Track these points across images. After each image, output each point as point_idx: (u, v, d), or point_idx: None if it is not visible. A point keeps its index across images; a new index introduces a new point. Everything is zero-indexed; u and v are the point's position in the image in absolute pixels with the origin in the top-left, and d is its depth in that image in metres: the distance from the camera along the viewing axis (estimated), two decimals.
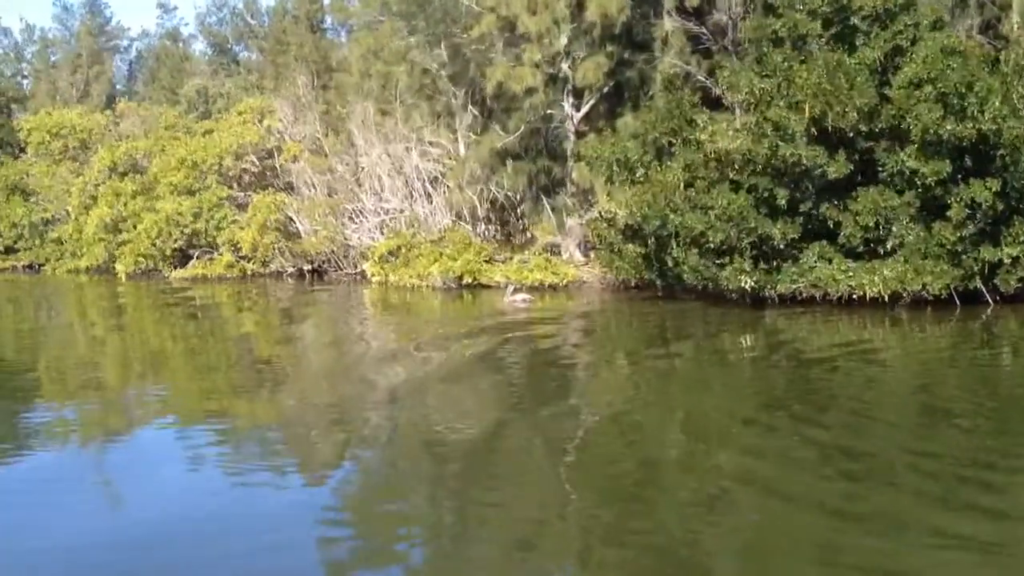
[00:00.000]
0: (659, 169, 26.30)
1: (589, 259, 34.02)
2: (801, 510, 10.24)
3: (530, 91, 32.06)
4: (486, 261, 33.20)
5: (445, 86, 37.79)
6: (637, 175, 26.64)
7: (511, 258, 34.25)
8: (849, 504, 10.22)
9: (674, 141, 26.60)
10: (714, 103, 29.84)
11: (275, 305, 33.03)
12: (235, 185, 42.06)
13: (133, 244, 40.51)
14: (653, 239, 25.63)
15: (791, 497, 10.65)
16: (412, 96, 38.95)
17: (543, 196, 37.07)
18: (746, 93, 25.20)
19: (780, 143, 23.71)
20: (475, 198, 35.82)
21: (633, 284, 29.76)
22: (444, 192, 37.96)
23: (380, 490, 11.60)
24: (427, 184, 38.35)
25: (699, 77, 30.04)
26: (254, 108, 44.45)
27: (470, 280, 32.42)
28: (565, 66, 33.12)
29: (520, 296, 28.51)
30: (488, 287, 32.45)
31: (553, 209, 36.94)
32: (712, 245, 24.17)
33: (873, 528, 9.41)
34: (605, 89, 34.15)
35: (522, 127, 35.23)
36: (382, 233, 38.56)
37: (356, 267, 38.82)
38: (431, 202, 38.53)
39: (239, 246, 39.13)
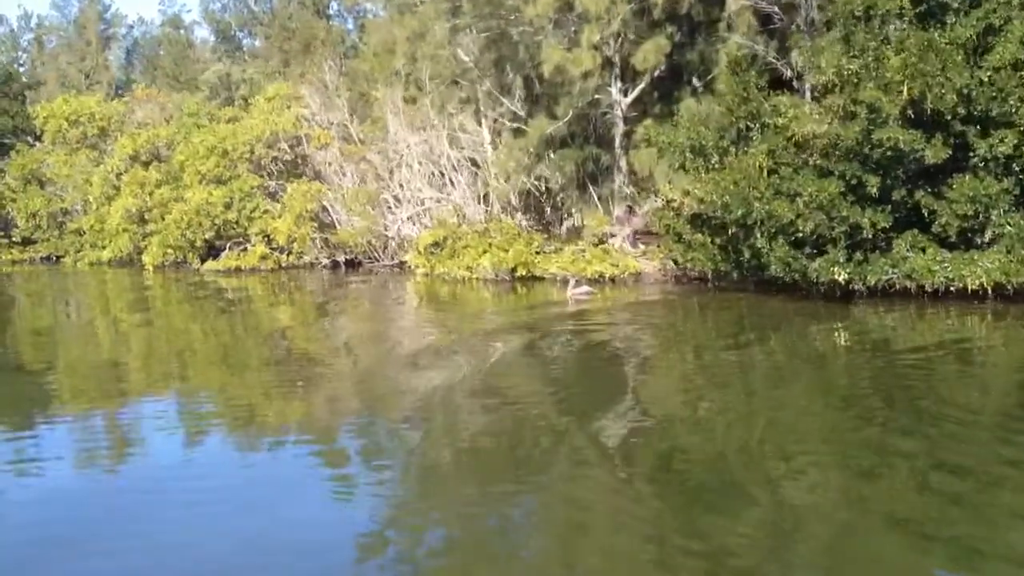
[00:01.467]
0: (736, 155, 24.95)
1: (638, 250, 32.72)
2: (885, 531, 9.09)
3: (586, 75, 30.66)
4: (537, 252, 31.78)
5: (485, 71, 36.39)
6: (712, 161, 25.27)
7: (560, 249, 32.89)
8: (943, 528, 9.09)
9: (752, 125, 25.22)
10: (781, 86, 28.54)
11: (316, 299, 31.58)
12: (264, 174, 40.57)
13: (162, 235, 39.05)
14: (734, 228, 24.22)
15: (875, 514, 9.50)
16: (446, 82, 37.58)
17: (589, 184, 35.78)
18: (832, 74, 23.78)
19: (874, 127, 22.34)
20: (524, 186, 34.38)
21: (697, 276, 28.49)
22: (480, 181, 36.61)
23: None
24: (461, 173, 37.01)
25: (770, 58, 28.62)
26: (282, 95, 42.98)
27: (524, 272, 31.00)
28: (613, 48, 31.75)
29: (582, 289, 27.15)
30: (541, 279, 31.10)
31: (599, 198, 35.71)
32: (801, 235, 22.79)
33: (965, 557, 8.45)
34: (656, 72, 32.85)
35: (570, 113, 33.91)
36: (416, 224, 37.26)
37: (393, 258, 37.46)
38: (469, 191, 37.23)
39: (272, 237, 37.71)
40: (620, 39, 31.04)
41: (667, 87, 33.41)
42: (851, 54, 23.67)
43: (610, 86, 33.62)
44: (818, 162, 23.77)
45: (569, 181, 35.98)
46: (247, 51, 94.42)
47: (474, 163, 37.54)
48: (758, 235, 23.54)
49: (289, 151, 40.05)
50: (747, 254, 24.93)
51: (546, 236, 35.42)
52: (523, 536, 9.60)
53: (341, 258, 38.60)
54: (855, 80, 23.45)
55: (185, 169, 41.13)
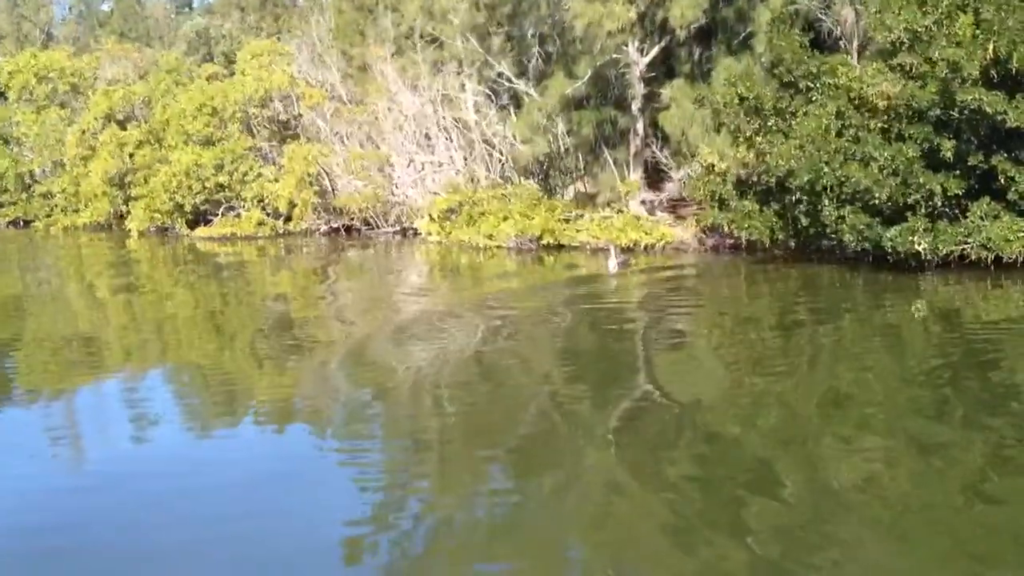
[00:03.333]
0: (796, 116, 23.46)
1: (658, 217, 31.18)
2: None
3: (614, 32, 28.89)
4: (560, 220, 30.12)
5: (494, 28, 34.45)
6: (770, 123, 23.76)
7: (580, 215, 31.24)
8: None
9: (812, 85, 23.72)
10: (818, 45, 27.03)
11: (330, 270, 29.72)
12: (254, 135, 38.32)
13: (148, 199, 36.67)
14: (798, 194, 22.76)
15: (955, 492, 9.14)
16: (447, 38, 35.54)
17: (605, 148, 34.08)
18: (902, 30, 22.31)
19: (954, 87, 20.94)
20: (541, 148, 32.61)
21: (735, 245, 27.06)
22: (477, 144, 34.70)
23: None
24: (458, 136, 35.15)
25: (819, 15, 27.11)
26: (270, 51, 40.64)
27: (549, 240, 29.32)
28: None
29: (620, 259, 25.55)
30: (568, 248, 29.45)
31: (614, 162, 34.04)
32: (877, 202, 21.38)
33: None
34: (687, 30, 31.17)
35: (589, 72, 32.17)
36: (418, 188, 35.37)
37: (396, 224, 35.54)
38: (471, 155, 35.40)
39: (269, 202, 35.61)
40: None
41: (690, 46, 31.78)
42: (924, 9, 22.23)
43: (626, 45, 31.86)
44: (886, 125, 22.36)
45: (583, 144, 34.28)
46: (200, 7, 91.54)
47: (466, 126, 35.61)
48: (826, 201, 22.07)
49: (284, 111, 37.79)
50: (804, 221, 23.55)
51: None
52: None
53: (339, 224, 36.53)
54: (927, 38, 22.04)
55: (168, 129, 38.71)
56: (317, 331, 19.59)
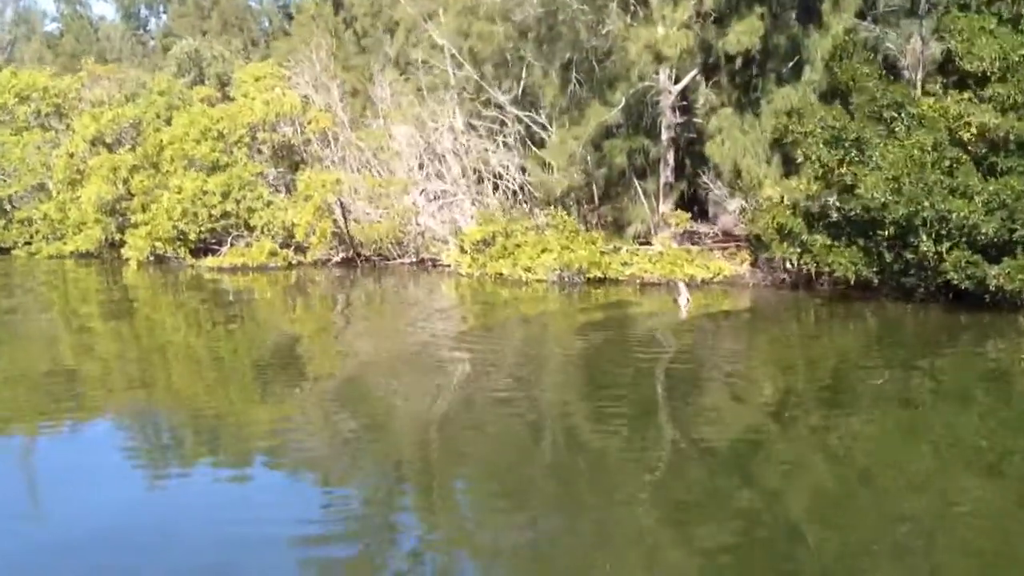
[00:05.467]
0: (878, 148, 22.41)
1: (692, 249, 29.95)
2: None
3: (664, 59, 27.76)
4: (602, 252, 28.74)
5: (527, 53, 33.10)
6: (853, 154, 22.67)
7: (619, 248, 29.89)
8: None
9: (896, 115, 22.72)
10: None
11: (364, 302, 27.90)
12: (260, 161, 36.44)
13: (150, 227, 34.51)
14: (891, 229, 21.65)
15: None
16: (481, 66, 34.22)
17: (635, 179, 32.81)
18: (997, 60, 21.42)
19: None
20: (577, 180, 31.28)
21: (798, 281, 25.96)
22: (509, 175, 33.40)
23: None
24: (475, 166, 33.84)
25: (888, 44, 26.23)
26: (273, 75, 38.84)
27: (596, 274, 27.90)
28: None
29: (684, 295, 24.20)
30: (616, 282, 28.06)
31: (645, 193, 32.79)
32: (983, 239, 20.34)
33: None
34: (711, 60, 30.21)
35: (622, 100, 30.94)
36: (436, 218, 33.85)
37: (417, 255, 33.86)
38: (496, 187, 34.04)
39: (281, 231, 33.73)
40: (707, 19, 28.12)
41: (733, 74, 30.70)
42: (1022, 39, 21.38)
43: (657, 73, 30.73)
44: (982, 158, 21.42)
45: (613, 175, 33.00)
46: (158, 30, 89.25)
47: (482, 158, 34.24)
48: (923, 236, 20.99)
49: (293, 136, 35.99)
50: (888, 257, 22.49)
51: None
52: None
53: (351, 254, 34.72)
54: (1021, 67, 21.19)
55: (164, 153, 36.60)
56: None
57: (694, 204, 32.70)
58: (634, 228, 32.05)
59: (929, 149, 21.13)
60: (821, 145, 22.98)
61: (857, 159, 22.50)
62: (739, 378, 17.04)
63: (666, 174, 31.98)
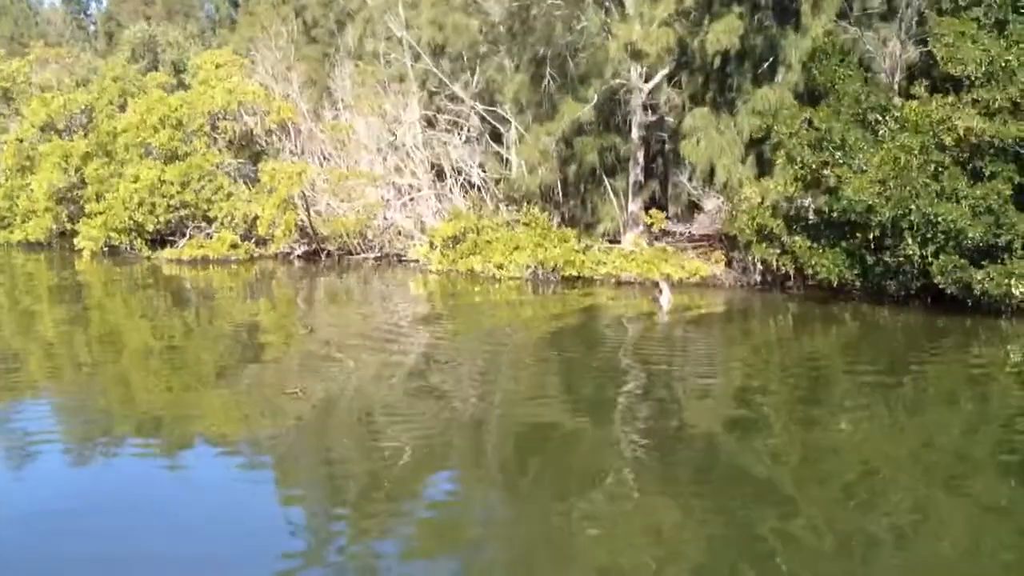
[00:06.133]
0: (863, 151, 22.33)
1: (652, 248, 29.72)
2: None
3: (643, 56, 27.46)
4: (577, 251, 28.41)
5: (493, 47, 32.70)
6: (837, 156, 22.56)
7: (588, 247, 29.55)
8: None
9: (881, 118, 22.68)
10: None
11: (337, 304, 27.13)
12: (218, 150, 35.53)
13: (105, 216, 33.42)
14: (877, 232, 21.59)
15: None
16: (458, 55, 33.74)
17: (605, 177, 32.50)
18: (985, 65, 21.44)
19: None
20: (549, 177, 30.89)
21: (769, 281, 25.87)
22: (471, 171, 32.99)
23: None
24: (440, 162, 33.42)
25: (867, 47, 26.18)
26: (232, 62, 37.88)
27: (571, 272, 27.54)
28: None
29: (666, 296, 23.93)
30: (590, 281, 27.73)
31: (614, 191, 32.50)
32: (968, 243, 20.34)
33: None
34: (683, 59, 30.05)
35: (595, 97, 30.63)
36: (402, 212, 33.28)
37: (380, 250, 33.21)
38: (464, 183, 33.57)
39: (241, 222, 32.90)
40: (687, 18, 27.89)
41: (707, 74, 30.53)
42: (1006, 44, 21.41)
43: (628, 71, 30.45)
44: (966, 161, 21.43)
45: (583, 173, 32.67)
46: (95, 15, 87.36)
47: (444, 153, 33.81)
48: (909, 240, 20.94)
49: (256, 126, 35.11)
50: (870, 260, 22.44)
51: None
52: None
53: (313, 248, 33.99)
54: (1006, 72, 21.23)
55: (118, 141, 35.52)
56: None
57: (665, 204, 32.52)
58: (603, 226, 31.77)
59: (915, 152, 21.05)
60: (805, 147, 22.83)
61: (841, 161, 22.37)
62: (733, 380, 16.78)
63: (636, 172, 31.71)
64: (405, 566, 9.07)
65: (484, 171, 33.18)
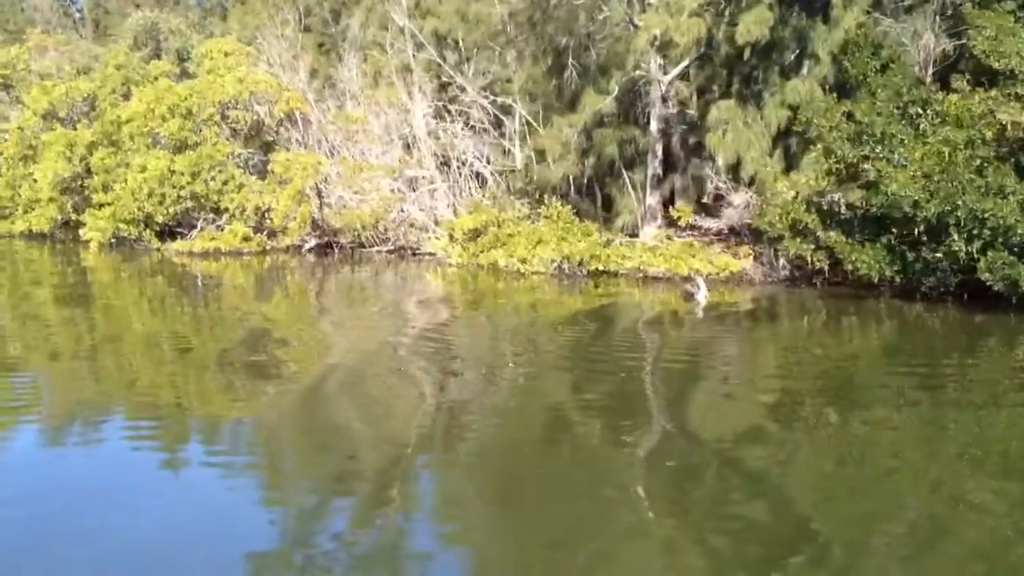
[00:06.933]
0: (904, 144, 21.97)
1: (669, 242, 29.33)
2: None
3: (674, 47, 27.04)
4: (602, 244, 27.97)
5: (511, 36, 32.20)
6: (877, 150, 22.18)
7: (610, 241, 29.11)
8: None
9: (922, 112, 22.33)
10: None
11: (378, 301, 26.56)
12: (228, 140, 34.86)
13: (113, 207, 32.72)
14: (921, 227, 21.22)
15: None
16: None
17: (624, 170, 32.05)
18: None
19: None
20: (573, 169, 30.43)
21: (797, 277, 25.50)
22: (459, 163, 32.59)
23: None
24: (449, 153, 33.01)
25: (903, 39, 25.82)
26: (239, 51, 37.19)
27: (597, 267, 27.10)
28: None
29: (702, 292, 23.48)
30: (615, 275, 27.29)
31: (633, 184, 32.07)
32: (1018, 239, 20.01)
33: None
34: (703, 49, 29.61)
35: (616, 89, 30.22)
36: (416, 204, 32.77)
37: (393, 242, 32.66)
38: (477, 176, 33.15)
39: (256, 214, 32.27)
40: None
41: (731, 66, 30.09)
42: None
43: (646, 62, 29.99)
44: (1010, 156, 21.11)
45: (601, 166, 32.24)
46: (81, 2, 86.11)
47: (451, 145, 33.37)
48: (955, 236, 20.58)
49: (267, 116, 34.44)
50: (910, 256, 22.08)
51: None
52: None
53: (325, 241, 33.40)
54: None
55: (123, 130, 34.79)
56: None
57: (686, 198, 32.08)
58: (622, 220, 31.37)
59: (961, 147, 20.69)
60: (845, 140, 22.45)
61: (881, 156, 21.99)
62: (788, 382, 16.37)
63: (654, 165, 31.31)
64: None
65: (490, 163, 32.84)
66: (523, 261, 27.68)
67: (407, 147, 34.53)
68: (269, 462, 11.87)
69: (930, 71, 25.94)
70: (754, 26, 26.42)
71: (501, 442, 12.39)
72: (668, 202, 31.92)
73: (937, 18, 25.98)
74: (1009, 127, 20.43)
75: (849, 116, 22.62)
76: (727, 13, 27.75)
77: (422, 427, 12.91)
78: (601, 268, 27.04)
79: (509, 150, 34.32)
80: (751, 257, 26.51)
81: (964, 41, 25.02)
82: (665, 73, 30.20)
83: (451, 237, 29.61)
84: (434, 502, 10.52)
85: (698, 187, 31.20)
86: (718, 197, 29.60)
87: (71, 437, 12.56)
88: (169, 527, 9.32)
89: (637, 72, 30.01)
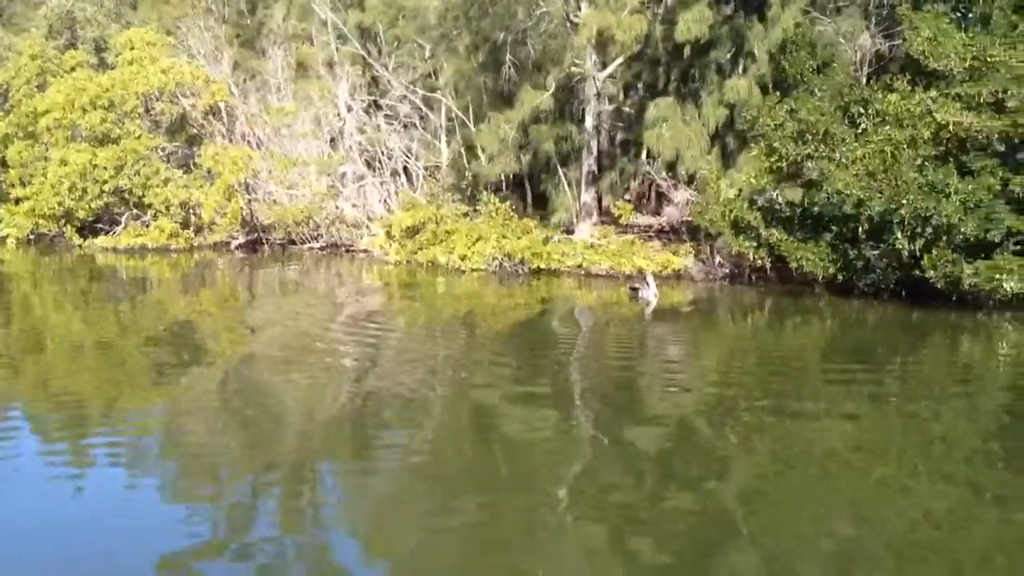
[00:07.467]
0: (844, 143, 22.24)
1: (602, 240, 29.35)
2: None
3: (613, 44, 26.98)
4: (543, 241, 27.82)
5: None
6: (820, 150, 22.41)
7: (548, 238, 28.96)
8: None
9: (864, 111, 22.63)
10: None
11: (308, 300, 25.89)
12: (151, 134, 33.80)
13: (32, 202, 31.44)
14: (866, 225, 21.51)
15: None
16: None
17: (559, 167, 31.94)
18: (968, 59, 21.52)
19: None
20: (509, 166, 30.18)
21: (736, 274, 25.68)
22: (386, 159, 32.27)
23: None
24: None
25: (840, 39, 26.15)
26: (155, 42, 35.97)
27: (538, 264, 26.91)
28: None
29: (651, 290, 23.33)
30: (556, 273, 27.12)
31: (568, 182, 31.98)
32: (961, 238, 20.39)
33: None
34: (637, 47, 29.63)
35: (553, 85, 30.10)
36: (346, 201, 32.26)
37: (325, 239, 32.02)
38: (408, 173, 32.80)
39: (183, 209, 31.32)
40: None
41: (668, 64, 30.19)
42: (992, 36, 21.54)
43: (580, 60, 29.92)
44: (948, 156, 21.52)
45: (536, 163, 32.09)
46: None
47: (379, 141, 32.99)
48: (898, 234, 20.88)
49: (192, 108, 33.45)
50: (851, 254, 22.39)
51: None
52: None
53: (255, 237, 32.58)
54: (994, 68, 21.34)
55: (41, 122, 33.46)
56: None
57: (620, 195, 32.13)
58: (558, 217, 31.26)
59: (904, 146, 21.01)
60: (788, 139, 22.64)
61: (824, 154, 22.23)
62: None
63: (589, 162, 31.25)
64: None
65: (418, 159, 32.54)
66: (463, 258, 27.35)
67: (332, 142, 34.00)
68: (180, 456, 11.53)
69: (865, 71, 26.32)
70: (694, 24, 26.53)
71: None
72: (601, 199, 31.96)
73: (872, 18, 26.34)
74: (951, 126, 20.73)
75: (791, 115, 22.77)
76: (664, 11, 27.76)
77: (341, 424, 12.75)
78: (543, 266, 26.80)
79: (435, 145, 33.98)
80: (691, 255, 26.57)
81: (898, 42, 25.45)
82: (601, 70, 30.15)
83: (388, 234, 29.10)
84: (354, 504, 10.28)
85: (632, 185, 31.27)
86: (656, 195, 29.68)
87: None
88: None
89: (573, 69, 29.92)
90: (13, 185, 32.38)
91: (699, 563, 8.62)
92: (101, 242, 31.36)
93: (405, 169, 33.42)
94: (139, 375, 15.51)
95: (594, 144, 31.21)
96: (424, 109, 33.66)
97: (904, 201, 20.50)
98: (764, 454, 11.70)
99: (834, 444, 11.99)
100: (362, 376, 15.52)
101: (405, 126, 33.82)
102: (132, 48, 35.70)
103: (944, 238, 20.33)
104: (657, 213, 29.09)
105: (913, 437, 12.53)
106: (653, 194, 30.32)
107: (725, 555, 8.75)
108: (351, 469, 11.18)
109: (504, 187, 32.65)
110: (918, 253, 20.69)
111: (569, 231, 30.71)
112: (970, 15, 22.27)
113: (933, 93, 21.89)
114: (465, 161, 32.19)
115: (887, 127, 21.99)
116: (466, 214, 29.54)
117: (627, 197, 31.04)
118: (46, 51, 37.95)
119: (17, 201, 31.99)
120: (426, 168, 33.35)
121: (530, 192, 32.94)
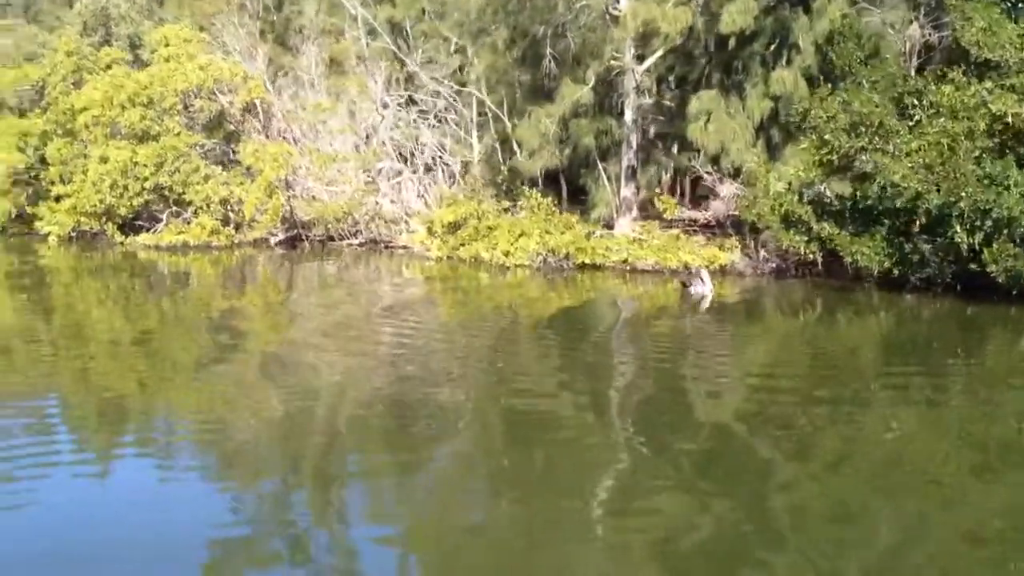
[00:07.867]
0: (904, 135, 21.95)
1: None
2: None
3: (659, 35, 26.78)
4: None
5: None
6: (874, 142, 22.15)
7: (590, 233, 28.79)
8: None
9: (917, 102, 22.35)
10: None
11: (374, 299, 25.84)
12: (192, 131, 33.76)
13: (74, 199, 31.48)
14: (923, 219, 21.26)
15: None
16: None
17: (599, 162, 31.73)
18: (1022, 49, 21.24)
19: None
20: (552, 160, 30.02)
21: (790, 270, 25.43)
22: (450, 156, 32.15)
23: None
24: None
25: (888, 29, 25.84)
26: (190, 39, 35.93)
27: (584, 260, 26.75)
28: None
29: (707, 286, 23.13)
30: (599, 268, 26.96)
31: (608, 176, 31.76)
32: (1021, 232, 20.11)
33: None
34: (679, 39, 29.37)
35: (593, 79, 29.91)
36: (385, 197, 32.17)
37: (365, 235, 31.92)
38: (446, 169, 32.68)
39: (223, 206, 31.29)
40: None
41: (708, 57, 29.95)
42: None
43: (621, 52, 29.68)
44: (1006, 148, 21.23)
45: (581, 156, 31.89)
46: None
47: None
48: (957, 228, 20.61)
49: (230, 104, 33.39)
50: (907, 248, 22.13)
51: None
52: None
53: (294, 234, 32.52)
54: None
55: (79, 120, 33.45)
56: None
57: (663, 189, 31.96)
58: (598, 212, 31.08)
59: (961, 138, 20.72)
60: (841, 131, 22.38)
61: (878, 147, 21.97)
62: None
63: (629, 156, 31.05)
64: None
65: (452, 155, 32.43)
66: (506, 254, 27.22)
67: (367, 138, 33.93)
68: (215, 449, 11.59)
69: (914, 61, 26.01)
70: (739, 16, 26.28)
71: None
72: (639, 193, 31.77)
73: (921, 9, 26.02)
74: (1010, 118, 20.44)
75: (844, 106, 22.51)
76: (706, 2, 27.50)
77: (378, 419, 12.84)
78: (587, 261, 26.64)
79: (468, 141, 33.85)
80: (738, 249, 26.36)
81: (947, 32, 25.13)
82: (640, 63, 29.92)
83: (429, 230, 29.00)
84: (388, 498, 10.25)
85: (675, 178, 31.07)
86: (693, 189, 29.47)
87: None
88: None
89: (612, 62, 29.73)
90: (53, 183, 32.42)
91: (740, 574, 8.42)
92: (143, 239, 31.37)
93: (437, 163, 33.30)
94: (180, 368, 15.62)
95: (634, 138, 31.00)
96: (456, 104, 33.54)
97: (963, 194, 20.22)
98: (816, 462, 11.51)
99: (889, 453, 11.71)
100: (400, 365, 15.67)
101: (440, 121, 33.73)
102: (167, 45, 35.69)
103: (1005, 231, 20.03)
104: (694, 207, 28.81)
105: (972, 444, 12.27)
106: (689, 189, 30.03)
107: (768, 569, 8.53)
108: (385, 463, 11.18)
109: (541, 182, 32.50)
110: (978, 247, 20.40)
111: (609, 226, 30.54)
112: (1020, 4, 21.84)
113: (988, 84, 21.58)
114: (500, 156, 32.06)
115: (942, 119, 21.70)
116: (507, 209, 29.38)
117: (659, 191, 30.83)
118: (81, 48, 37.94)
119: (58, 199, 32.03)
120: (462, 164, 33.25)
121: (566, 187, 32.74)
